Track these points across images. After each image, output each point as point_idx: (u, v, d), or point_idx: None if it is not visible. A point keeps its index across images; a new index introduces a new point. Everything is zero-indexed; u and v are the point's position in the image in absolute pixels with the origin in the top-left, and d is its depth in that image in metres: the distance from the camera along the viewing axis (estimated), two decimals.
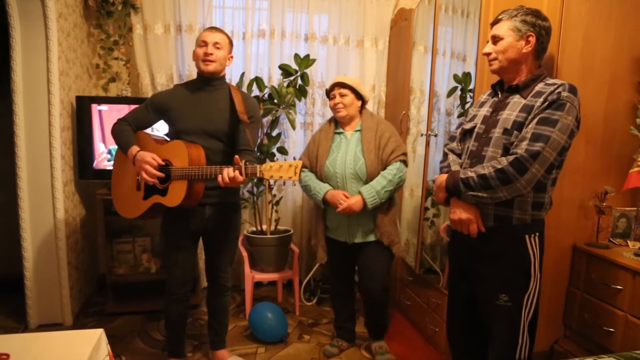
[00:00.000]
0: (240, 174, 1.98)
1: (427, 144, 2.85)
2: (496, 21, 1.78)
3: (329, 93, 2.61)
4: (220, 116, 2.25)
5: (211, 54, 2.19)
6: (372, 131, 2.49)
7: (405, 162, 2.51)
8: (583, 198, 2.22)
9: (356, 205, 2.41)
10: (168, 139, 2.31)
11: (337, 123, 2.62)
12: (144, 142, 2.25)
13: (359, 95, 2.56)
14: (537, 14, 1.73)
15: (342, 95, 2.53)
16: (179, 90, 2.30)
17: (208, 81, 2.27)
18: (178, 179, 2.11)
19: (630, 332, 1.94)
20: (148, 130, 2.36)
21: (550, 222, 2.16)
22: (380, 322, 2.68)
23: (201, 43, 2.21)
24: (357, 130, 2.55)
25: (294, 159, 3.69)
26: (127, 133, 2.22)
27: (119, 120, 2.28)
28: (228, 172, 2.00)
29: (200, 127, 2.21)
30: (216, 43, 2.20)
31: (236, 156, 2.01)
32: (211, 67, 2.20)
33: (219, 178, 2.01)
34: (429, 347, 2.84)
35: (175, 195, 2.12)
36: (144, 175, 2.12)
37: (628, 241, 2.24)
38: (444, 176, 1.83)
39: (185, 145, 2.13)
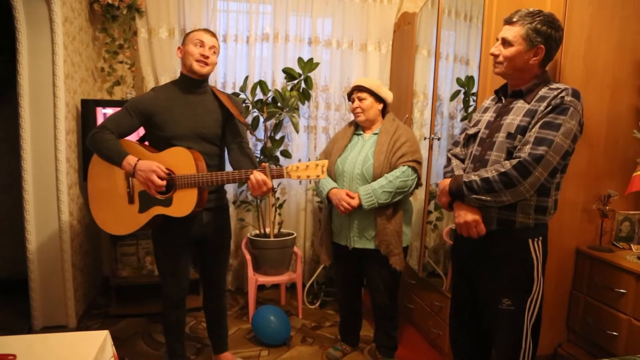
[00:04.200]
0: (266, 176, 1.98)
1: (430, 147, 2.86)
2: (510, 22, 1.73)
3: (349, 96, 2.55)
4: (211, 118, 2.21)
5: (208, 57, 2.14)
6: (388, 134, 2.42)
7: (414, 169, 2.38)
8: (586, 201, 2.22)
9: (353, 201, 2.35)
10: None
11: (358, 125, 2.58)
12: (134, 150, 2.09)
13: (379, 98, 2.49)
14: (552, 23, 1.69)
15: (360, 99, 2.47)
16: (162, 93, 2.17)
17: (198, 84, 2.20)
18: (185, 187, 2.04)
19: (634, 335, 1.94)
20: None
21: (554, 226, 2.16)
22: (389, 340, 2.60)
23: (197, 42, 2.12)
24: (375, 133, 2.49)
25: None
26: (113, 142, 2.05)
27: (99, 129, 2.07)
28: (255, 177, 1.98)
29: (194, 131, 2.14)
30: (212, 47, 2.16)
31: (263, 164, 1.99)
32: (205, 70, 2.15)
33: (250, 182, 1.99)
34: (432, 350, 2.84)
35: (184, 204, 2.05)
36: (151, 185, 2.01)
37: (631, 245, 2.23)
38: (448, 180, 1.83)
39: (190, 152, 2.07)
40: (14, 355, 1.27)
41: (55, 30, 2.74)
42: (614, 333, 2.01)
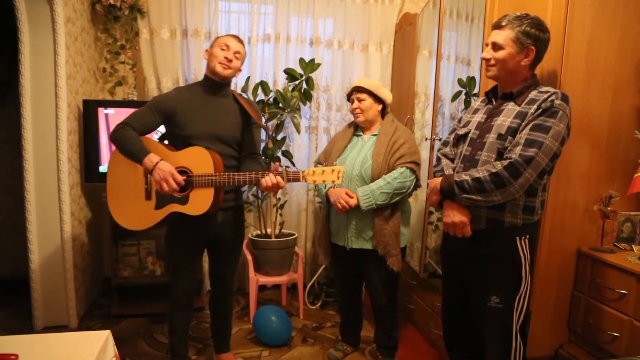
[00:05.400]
0: (283, 179, 2.02)
1: (432, 148, 2.86)
2: (498, 26, 1.78)
3: (349, 97, 2.56)
4: (230, 121, 2.25)
5: (231, 61, 2.18)
6: (387, 136, 2.43)
7: (412, 170, 2.39)
8: (588, 202, 2.21)
9: (352, 201, 2.35)
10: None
11: (358, 126, 2.59)
12: (153, 148, 2.13)
13: (378, 99, 2.49)
14: (540, 26, 1.74)
15: (360, 100, 2.48)
16: (184, 93, 2.24)
17: (219, 86, 2.25)
18: (203, 186, 2.07)
19: (635, 337, 1.94)
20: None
21: (555, 227, 2.16)
22: (389, 340, 2.61)
23: (223, 46, 2.18)
24: (374, 134, 2.50)
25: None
26: (136, 140, 2.10)
27: (122, 125, 2.12)
28: (271, 179, 2.02)
29: (211, 132, 2.18)
30: (237, 52, 2.20)
31: (276, 164, 2.04)
32: (227, 73, 2.19)
33: (263, 183, 2.03)
34: (433, 351, 2.84)
35: (200, 203, 2.07)
36: (165, 185, 2.02)
37: (633, 246, 2.23)
38: (438, 179, 1.85)
39: (208, 152, 2.10)
40: (16, 355, 1.28)
41: (58, 30, 2.74)
42: (615, 334, 2.01)
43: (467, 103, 2.84)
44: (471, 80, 2.77)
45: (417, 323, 3.11)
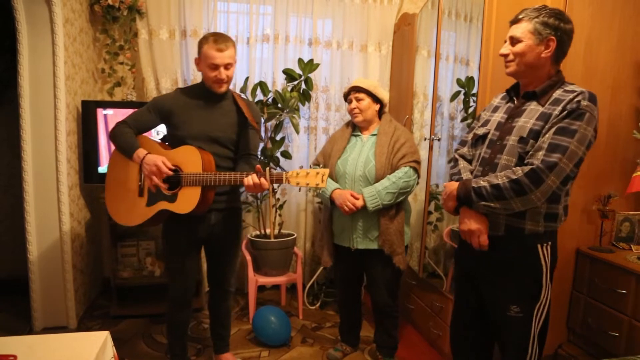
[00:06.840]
0: (266, 180, 2.00)
1: (431, 148, 2.86)
2: (516, 20, 1.69)
3: (346, 97, 2.56)
4: (227, 122, 2.24)
5: (223, 79, 2.13)
6: (387, 135, 2.43)
7: (415, 170, 2.40)
8: (586, 202, 2.22)
9: (358, 202, 2.35)
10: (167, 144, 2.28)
11: (355, 126, 2.59)
12: (148, 146, 2.18)
13: (376, 99, 2.50)
14: (560, 15, 1.63)
15: (358, 100, 2.48)
16: (184, 94, 2.24)
17: (217, 94, 2.22)
18: (190, 185, 2.08)
19: (634, 336, 1.94)
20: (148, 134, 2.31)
21: None
22: (389, 340, 2.61)
23: (212, 66, 2.09)
24: (373, 134, 2.50)
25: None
26: (129, 136, 2.16)
27: (119, 123, 2.19)
28: (253, 179, 1.99)
29: (207, 133, 2.19)
30: (227, 65, 2.12)
31: (258, 166, 2.02)
32: (224, 89, 2.18)
33: (245, 183, 2.01)
34: (432, 351, 2.84)
35: (187, 202, 2.09)
36: (154, 178, 2.07)
37: (631, 245, 2.23)
38: (455, 184, 1.76)
39: (198, 151, 2.11)
40: (15, 356, 1.28)
41: (56, 31, 2.74)
42: (615, 333, 2.01)
43: (466, 103, 2.84)
44: (470, 80, 2.77)
45: (416, 323, 3.11)
